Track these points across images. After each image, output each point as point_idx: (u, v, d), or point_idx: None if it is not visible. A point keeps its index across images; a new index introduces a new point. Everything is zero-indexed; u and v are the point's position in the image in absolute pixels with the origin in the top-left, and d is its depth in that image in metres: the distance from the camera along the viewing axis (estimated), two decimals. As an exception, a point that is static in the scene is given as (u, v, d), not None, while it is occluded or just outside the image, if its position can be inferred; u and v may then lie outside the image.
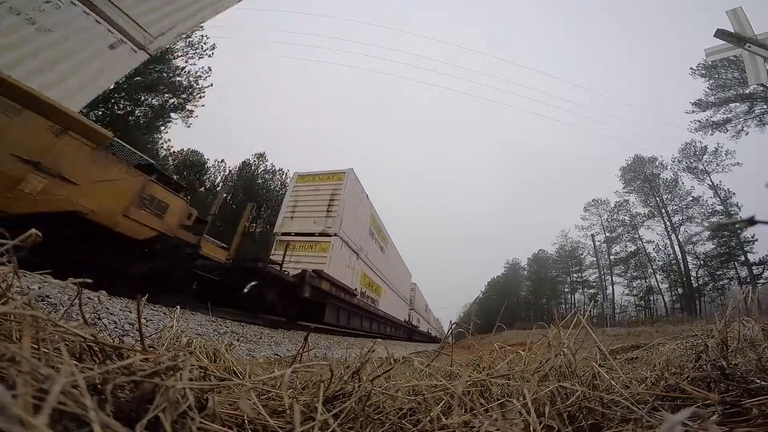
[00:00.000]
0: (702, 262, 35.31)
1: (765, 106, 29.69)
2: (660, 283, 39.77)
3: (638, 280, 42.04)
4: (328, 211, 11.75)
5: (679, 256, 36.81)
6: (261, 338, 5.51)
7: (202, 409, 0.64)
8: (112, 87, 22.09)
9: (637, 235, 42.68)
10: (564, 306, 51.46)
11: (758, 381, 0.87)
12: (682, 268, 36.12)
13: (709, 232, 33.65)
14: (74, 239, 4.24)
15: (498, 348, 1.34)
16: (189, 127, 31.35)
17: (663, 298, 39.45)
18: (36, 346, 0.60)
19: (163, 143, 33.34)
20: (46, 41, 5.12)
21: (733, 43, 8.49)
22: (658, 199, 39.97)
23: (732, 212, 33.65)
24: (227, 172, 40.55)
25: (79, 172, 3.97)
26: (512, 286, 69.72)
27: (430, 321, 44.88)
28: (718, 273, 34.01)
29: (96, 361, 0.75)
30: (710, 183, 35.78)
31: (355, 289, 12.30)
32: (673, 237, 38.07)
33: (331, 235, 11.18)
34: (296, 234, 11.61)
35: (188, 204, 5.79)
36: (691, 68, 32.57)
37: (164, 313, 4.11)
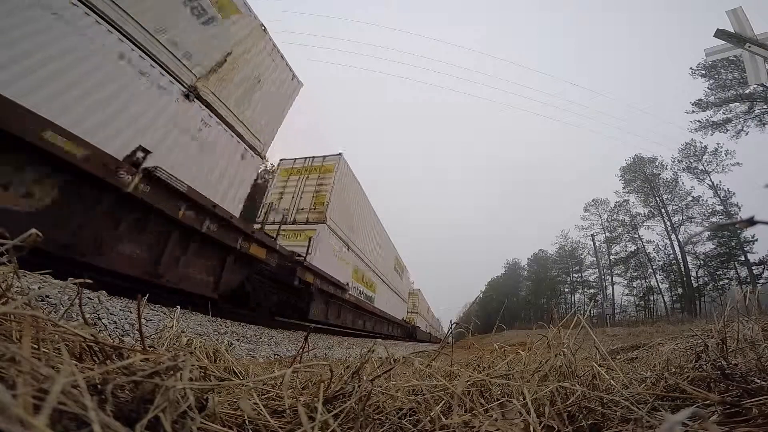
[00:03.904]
0: (702, 262, 35.29)
1: (765, 106, 29.67)
2: (660, 283, 39.76)
3: (638, 280, 42.00)
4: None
5: (679, 256, 36.79)
6: (261, 338, 5.51)
7: (202, 409, 0.64)
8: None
9: (637, 235, 42.66)
10: (564, 306, 51.43)
11: (758, 381, 0.87)
12: (682, 268, 36.09)
13: (709, 232, 33.62)
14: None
15: (498, 348, 1.34)
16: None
17: (663, 298, 39.43)
18: (36, 346, 0.60)
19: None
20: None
21: (733, 43, 8.49)
22: (658, 199, 39.94)
23: (732, 212, 33.62)
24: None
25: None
26: (512, 286, 69.70)
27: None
28: (718, 273, 33.98)
29: (96, 361, 0.75)
30: (710, 183, 35.77)
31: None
32: (673, 237, 38.05)
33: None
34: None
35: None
36: (691, 68, 32.58)
37: (164, 313, 4.11)
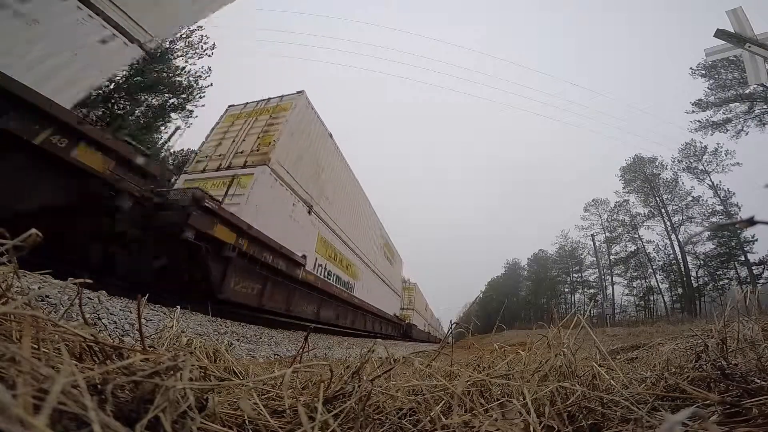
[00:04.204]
0: (702, 262, 35.30)
1: (765, 106, 29.68)
2: (660, 283, 39.78)
3: (638, 280, 42.01)
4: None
5: (679, 256, 36.79)
6: (261, 338, 5.51)
7: (202, 409, 0.64)
8: (111, 86, 22.18)
9: (637, 235, 42.67)
10: (564, 306, 51.42)
11: (758, 381, 0.87)
12: (682, 268, 36.09)
13: (709, 232, 33.64)
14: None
15: (498, 348, 1.34)
16: (189, 126, 31.41)
17: (663, 298, 39.44)
18: (36, 346, 0.60)
19: (163, 143, 33.42)
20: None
21: (733, 43, 8.50)
22: (658, 199, 39.94)
23: (732, 212, 33.63)
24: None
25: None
26: (512, 286, 69.67)
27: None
28: (718, 273, 33.99)
29: (96, 361, 0.75)
30: (710, 183, 35.79)
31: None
32: (673, 237, 38.07)
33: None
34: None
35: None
36: (691, 68, 32.58)
37: (164, 313, 4.11)
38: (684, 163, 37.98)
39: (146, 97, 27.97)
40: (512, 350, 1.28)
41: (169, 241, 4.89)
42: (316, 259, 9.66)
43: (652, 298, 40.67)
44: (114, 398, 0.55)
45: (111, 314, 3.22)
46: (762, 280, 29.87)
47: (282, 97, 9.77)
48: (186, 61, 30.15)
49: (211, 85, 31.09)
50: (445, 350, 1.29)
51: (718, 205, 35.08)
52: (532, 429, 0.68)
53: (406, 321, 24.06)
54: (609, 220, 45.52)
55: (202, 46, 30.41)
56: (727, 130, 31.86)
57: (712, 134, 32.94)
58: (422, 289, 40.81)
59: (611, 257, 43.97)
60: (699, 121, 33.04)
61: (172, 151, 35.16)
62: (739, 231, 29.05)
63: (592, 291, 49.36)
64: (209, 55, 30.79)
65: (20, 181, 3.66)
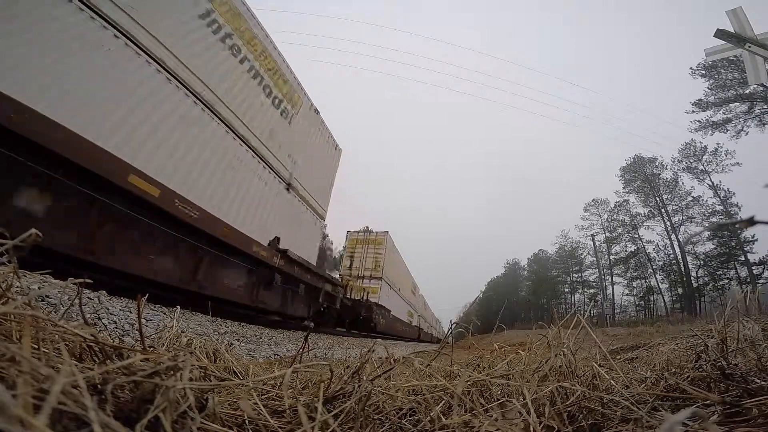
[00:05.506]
0: (702, 262, 35.31)
1: (765, 106, 29.67)
2: (660, 283, 39.80)
3: (638, 280, 42.03)
4: None
5: (679, 256, 36.80)
6: (261, 338, 5.51)
7: (202, 409, 0.64)
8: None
9: (637, 235, 42.69)
10: (564, 306, 51.42)
11: (758, 381, 0.87)
12: (682, 268, 36.10)
13: (709, 232, 33.63)
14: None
15: (498, 348, 1.34)
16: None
17: (663, 298, 39.45)
18: (36, 346, 0.60)
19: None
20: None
21: (733, 43, 8.49)
22: (658, 199, 39.95)
23: (732, 212, 33.63)
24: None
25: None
26: (512, 286, 69.71)
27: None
28: (718, 273, 33.99)
29: (96, 361, 0.75)
30: (710, 183, 35.79)
31: None
32: (673, 237, 38.09)
33: None
34: None
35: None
36: (691, 68, 32.60)
37: (164, 313, 4.10)
38: (684, 163, 38.01)
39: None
40: (512, 350, 1.28)
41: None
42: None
43: (652, 298, 40.70)
44: (114, 398, 0.55)
45: (111, 314, 3.22)
46: (762, 280, 29.88)
47: None
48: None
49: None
50: (445, 350, 1.29)
51: (718, 205, 35.10)
52: (532, 429, 0.68)
53: (347, 286, 12.79)
54: (609, 220, 45.54)
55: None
56: (727, 130, 31.87)
57: (712, 134, 32.99)
58: (423, 291, 31.63)
59: (611, 257, 43.99)
60: (699, 121, 33.08)
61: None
62: (739, 231, 29.04)
63: (592, 291, 49.39)
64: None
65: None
